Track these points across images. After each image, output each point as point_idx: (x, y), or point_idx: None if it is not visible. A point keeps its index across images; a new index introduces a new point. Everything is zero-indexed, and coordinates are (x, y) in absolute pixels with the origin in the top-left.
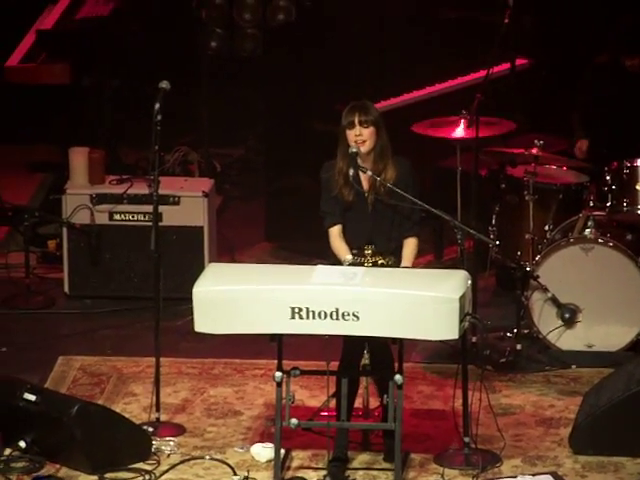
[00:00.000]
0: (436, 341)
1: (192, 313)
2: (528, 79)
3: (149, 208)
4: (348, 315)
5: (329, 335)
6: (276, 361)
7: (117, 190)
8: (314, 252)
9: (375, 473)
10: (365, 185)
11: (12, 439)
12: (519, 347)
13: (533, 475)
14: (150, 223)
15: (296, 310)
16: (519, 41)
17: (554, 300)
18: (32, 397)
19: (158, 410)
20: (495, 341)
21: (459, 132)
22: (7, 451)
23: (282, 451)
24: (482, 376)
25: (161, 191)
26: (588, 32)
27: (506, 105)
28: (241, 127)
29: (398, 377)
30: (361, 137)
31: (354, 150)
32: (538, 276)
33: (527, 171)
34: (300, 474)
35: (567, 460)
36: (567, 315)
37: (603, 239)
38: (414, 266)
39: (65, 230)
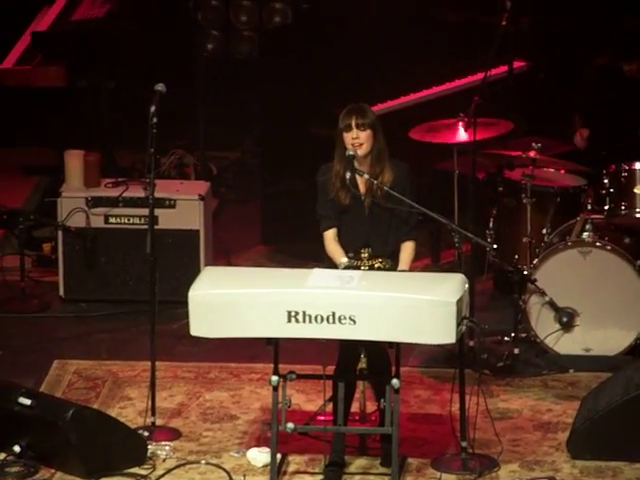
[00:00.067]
0: (433, 345)
1: (188, 317)
2: (526, 82)
3: (145, 211)
4: (345, 319)
5: (325, 339)
6: (272, 365)
7: (113, 193)
8: (310, 255)
9: (372, 478)
10: (362, 188)
11: (7, 443)
12: (517, 351)
13: None
14: (146, 226)
15: (292, 314)
16: (517, 44)
17: (552, 304)
18: (27, 401)
19: (154, 414)
20: (492, 345)
21: (456, 135)
22: (2, 455)
23: (278, 456)
24: (479, 380)
25: (157, 194)
26: (586, 34)
27: (504, 108)
28: (237, 130)
29: (395, 381)
30: (358, 140)
31: (351, 153)
32: (536, 280)
33: (525, 174)
34: (297, 479)
35: (565, 465)
36: (565, 319)
37: (601, 242)
38: (411, 270)
39: (60, 233)
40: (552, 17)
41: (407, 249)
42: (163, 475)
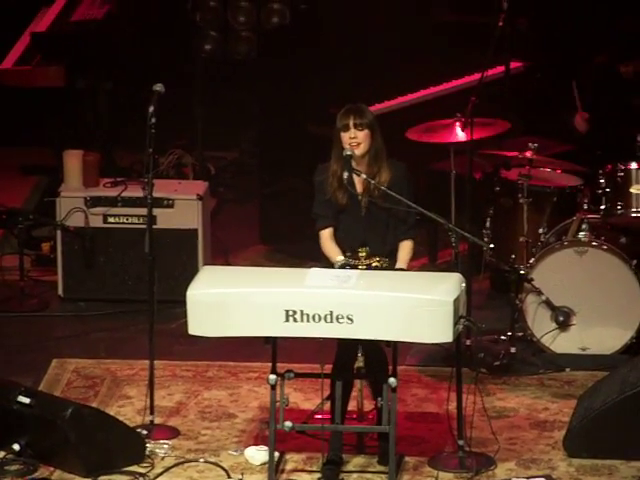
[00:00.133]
0: (430, 344)
1: (186, 316)
2: (523, 82)
3: (143, 211)
4: (342, 318)
5: (323, 338)
6: (270, 364)
7: (111, 193)
8: (308, 255)
9: (369, 476)
10: (359, 188)
11: (6, 442)
12: (513, 350)
13: (527, 478)
14: (144, 226)
15: (290, 313)
16: (514, 44)
17: (548, 303)
18: (26, 400)
19: (152, 413)
20: (489, 344)
21: (453, 135)
22: (1, 454)
23: (276, 454)
24: (476, 379)
25: (155, 194)
26: (584, 35)
27: (500, 108)
28: (235, 130)
29: (392, 380)
30: (356, 140)
31: (348, 153)
32: (532, 279)
33: (521, 174)
34: (294, 477)
35: (561, 463)
36: (561, 318)
37: (597, 242)
38: (408, 269)
39: (59, 233)
40: (549, 17)
41: (405, 248)
42: (162, 473)
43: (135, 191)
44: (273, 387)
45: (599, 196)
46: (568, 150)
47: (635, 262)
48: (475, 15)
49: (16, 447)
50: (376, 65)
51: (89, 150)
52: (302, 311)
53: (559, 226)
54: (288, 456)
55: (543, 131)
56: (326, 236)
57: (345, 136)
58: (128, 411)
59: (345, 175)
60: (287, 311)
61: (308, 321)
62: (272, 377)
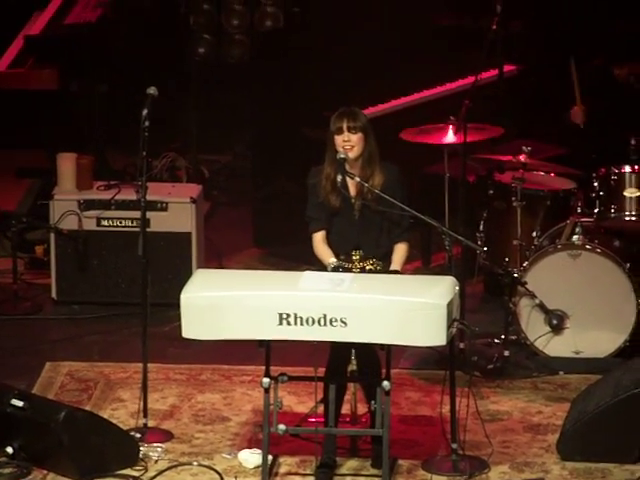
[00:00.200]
0: (424, 347)
1: (180, 319)
2: (516, 85)
3: (137, 214)
4: (336, 321)
5: (317, 341)
6: (264, 367)
7: (105, 196)
8: (302, 258)
9: (363, 479)
10: (352, 191)
11: None
12: (507, 353)
13: None
14: (138, 229)
15: (284, 316)
16: (507, 47)
17: (542, 306)
18: (19, 403)
19: (145, 416)
20: (483, 347)
21: (447, 138)
22: None
23: (270, 457)
24: (470, 382)
25: (149, 197)
26: (578, 37)
27: (494, 111)
28: (229, 133)
29: (386, 383)
30: (349, 143)
31: (342, 156)
32: (526, 282)
33: (515, 177)
34: None
35: (555, 466)
36: (555, 321)
37: (591, 245)
38: (402, 272)
39: (53, 236)
40: (543, 21)
41: (399, 251)
42: (155, 477)
43: (129, 194)
44: (267, 390)
45: (593, 199)
46: (562, 154)
47: (629, 265)
48: (469, 19)
49: (9, 450)
50: (369, 68)
51: (83, 153)
52: (296, 314)
53: (553, 229)
54: (282, 459)
55: (537, 134)
56: (319, 239)
57: (339, 139)
58: (121, 414)
59: (339, 178)
60: (281, 314)
61: (302, 324)
62: (266, 380)
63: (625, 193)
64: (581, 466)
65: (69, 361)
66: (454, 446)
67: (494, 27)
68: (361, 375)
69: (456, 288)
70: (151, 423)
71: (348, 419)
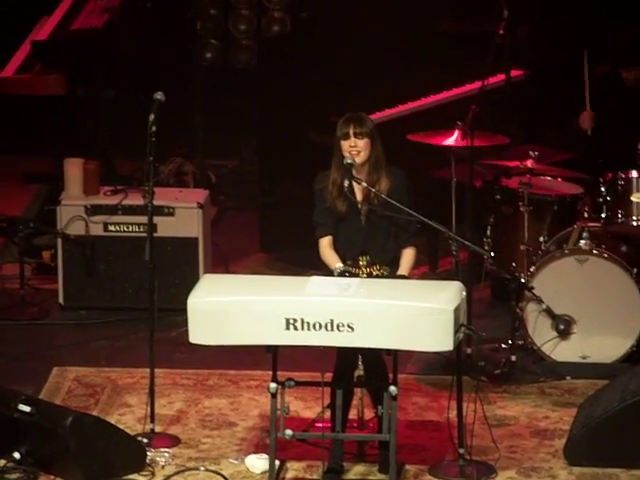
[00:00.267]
0: (431, 352)
1: (187, 324)
2: (523, 90)
3: (144, 219)
4: (343, 326)
5: (324, 346)
6: (271, 372)
7: (112, 201)
8: (309, 263)
9: None
10: (359, 196)
11: (6, 450)
12: (514, 358)
13: None
14: (145, 234)
15: (291, 321)
16: (514, 52)
17: (549, 311)
18: (27, 408)
19: (153, 421)
20: (490, 352)
21: (454, 142)
22: (1, 462)
23: (277, 462)
24: (477, 387)
25: (156, 202)
26: (585, 42)
27: (501, 116)
28: (236, 138)
29: (392, 388)
30: (356, 148)
31: (349, 161)
32: (533, 287)
33: (522, 182)
34: None
35: (562, 471)
36: (562, 326)
37: (598, 250)
38: (409, 277)
39: (60, 241)
40: (550, 25)
41: (407, 255)
42: None
43: (135, 199)
44: (274, 395)
45: (600, 204)
46: (569, 158)
47: (636, 271)
48: (476, 23)
49: (16, 455)
50: (377, 73)
51: (89, 158)
52: (303, 319)
53: (560, 234)
54: (289, 464)
55: (544, 139)
56: (325, 244)
57: (345, 144)
58: (128, 419)
59: (346, 183)
60: (288, 319)
61: (309, 329)
62: (273, 385)
63: (632, 198)
64: (588, 471)
65: (76, 366)
66: (461, 451)
67: (501, 32)
68: (368, 380)
69: (463, 293)
70: (158, 428)
71: (355, 424)
